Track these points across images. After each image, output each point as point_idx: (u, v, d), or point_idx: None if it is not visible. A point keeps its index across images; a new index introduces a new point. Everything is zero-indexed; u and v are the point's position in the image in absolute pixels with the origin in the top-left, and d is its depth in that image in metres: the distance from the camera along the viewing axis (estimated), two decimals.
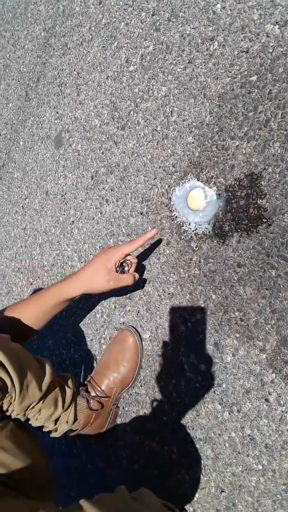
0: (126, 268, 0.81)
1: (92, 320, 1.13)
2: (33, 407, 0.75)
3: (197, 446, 0.85)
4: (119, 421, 1.02)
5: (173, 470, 0.90)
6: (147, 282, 0.98)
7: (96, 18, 1.17)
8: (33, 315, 0.79)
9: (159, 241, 0.96)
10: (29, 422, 0.79)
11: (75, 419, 0.87)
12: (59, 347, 1.23)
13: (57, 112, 1.30)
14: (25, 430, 0.75)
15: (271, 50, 0.77)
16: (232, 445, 0.80)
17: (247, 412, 0.78)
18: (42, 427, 0.84)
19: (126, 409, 1.01)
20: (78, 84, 1.22)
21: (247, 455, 0.77)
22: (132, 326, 1.00)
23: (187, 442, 0.87)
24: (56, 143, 1.29)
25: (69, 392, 0.84)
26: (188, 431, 0.87)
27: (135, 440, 0.99)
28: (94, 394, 0.94)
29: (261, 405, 0.76)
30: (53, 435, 0.86)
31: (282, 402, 0.73)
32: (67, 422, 0.85)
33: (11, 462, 0.63)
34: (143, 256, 0.99)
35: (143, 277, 0.98)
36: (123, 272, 0.80)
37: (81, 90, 1.20)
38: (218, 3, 0.85)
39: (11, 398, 0.68)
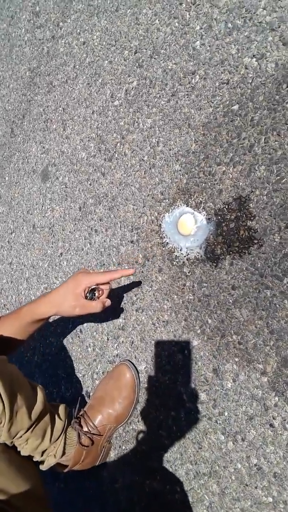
0: (96, 295, 0.78)
1: (83, 354, 1.10)
2: (20, 436, 0.71)
3: (202, 482, 0.81)
4: (116, 461, 0.97)
5: (178, 510, 0.85)
6: (140, 310, 0.96)
7: (80, 57, 1.21)
8: (7, 333, 0.78)
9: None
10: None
11: (63, 453, 0.82)
12: (49, 385, 1.18)
13: (43, 147, 1.32)
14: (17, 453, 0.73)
15: (250, 81, 0.81)
16: (238, 477, 0.76)
17: (252, 440, 0.75)
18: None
19: (124, 447, 0.96)
20: (64, 120, 1.25)
21: (256, 487, 0.74)
22: (129, 360, 0.96)
23: (191, 478, 0.83)
24: (43, 177, 1.30)
25: (59, 423, 0.80)
26: (191, 466, 0.83)
27: (134, 481, 0.93)
28: (86, 430, 0.89)
29: (266, 432, 0.73)
30: (40, 467, 0.81)
31: (287, 426, 0.70)
32: (54, 455, 0.80)
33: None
34: (136, 285, 0.98)
35: (136, 306, 0.97)
36: (92, 298, 0.78)
37: (67, 125, 1.23)
38: (197, 40, 0.90)
39: (0, 423, 0.64)
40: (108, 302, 0.78)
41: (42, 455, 0.80)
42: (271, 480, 0.72)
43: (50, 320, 1.19)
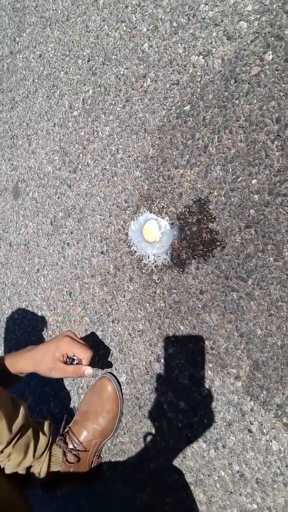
0: (75, 362, 0.78)
1: None
2: (1, 451, 0.69)
3: (189, 491, 0.79)
4: (108, 474, 0.95)
5: None
6: (116, 321, 0.94)
7: (38, 70, 1.20)
8: None
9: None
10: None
11: (48, 471, 0.81)
12: (39, 403, 1.16)
13: (12, 164, 1.31)
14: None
15: (199, 79, 0.79)
16: (223, 485, 0.74)
17: (232, 446, 0.73)
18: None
19: (113, 460, 0.95)
20: (29, 135, 1.23)
21: (240, 494, 0.72)
22: (110, 373, 0.95)
23: (178, 488, 0.81)
24: (14, 194, 1.29)
25: (43, 439, 0.79)
26: (178, 476, 0.82)
27: (125, 494, 0.92)
28: (72, 447, 0.87)
29: (245, 437, 0.71)
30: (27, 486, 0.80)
31: (265, 430, 0.68)
32: (39, 473, 0.79)
33: None
34: (109, 295, 0.96)
35: (112, 317, 0.95)
36: (71, 364, 0.78)
37: (32, 139, 1.22)
38: (145, 42, 0.89)
39: None
40: (87, 371, 0.78)
41: (26, 472, 0.79)
42: (254, 487, 0.70)
43: (35, 337, 1.18)
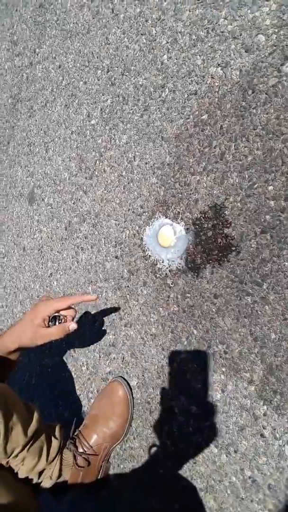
0: (58, 323, 0.75)
1: (78, 374, 1.09)
2: (16, 455, 0.70)
3: (198, 497, 0.79)
4: (115, 480, 0.95)
5: None
6: (129, 325, 0.95)
7: (57, 80, 1.24)
8: None
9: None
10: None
11: (60, 475, 0.81)
12: (48, 407, 1.16)
13: (28, 171, 1.34)
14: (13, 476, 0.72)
15: (217, 90, 0.82)
16: (234, 491, 0.74)
17: (244, 451, 0.73)
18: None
19: (122, 466, 0.94)
20: (46, 142, 1.26)
21: (251, 501, 0.71)
22: (121, 377, 0.95)
23: (188, 494, 0.81)
24: (30, 199, 1.32)
25: (55, 443, 0.79)
26: (187, 482, 0.81)
27: (134, 501, 0.91)
28: (82, 450, 0.87)
29: (257, 442, 0.71)
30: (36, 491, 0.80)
31: (278, 435, 0.68)
32: (50, 477, 0.79)
33: None
34: (121, 299, 0.97)
35: (124, 321, 0.96)
36: (55, 324, 0.75)
37: (49, 147, 1.25)
38: (165, 54, 0.92)
39: None
40: (72, 326, 0.75)
41: (39, 477, 0.80)
42: (266, 493, 0.70)
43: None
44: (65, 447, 0.87)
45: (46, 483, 0.81)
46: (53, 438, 0.81)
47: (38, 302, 0.77)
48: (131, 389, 0.93)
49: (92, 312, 1.05)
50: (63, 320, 0.76)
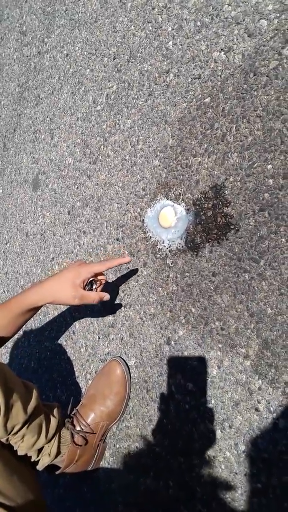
0: (94, 287, 0.79)
1: (76, 355, 1.10)
2: (16, 432, 0.71)
3: (193, 474, 0.80)
4: (111, 460, 0.96)
5: (172, 507, 0.83)
6: (128, 306, 0.96)
7: (64, 68, 1.26)
8: None
9: (135, 271, 0.96)
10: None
11: (58, 452, 0.82)
12: (46, 389, 1.18)
13: (33, 157, 1.36)
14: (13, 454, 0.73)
15: (220, 73, 0.83)
16: (228, 466, 0.75)
17: (239, 426, 0.74)
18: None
19: (117, 446, 0.95)
20: (51, 129, 1.29)
21: (245, 475, 0.72)
22: (119, 356, 0.97)
23: (183, 471, 0.81)
24: (34, 185, 1.34)
25: (53, 421, 0.80)
26: (183, 459, 0.82)
27: (129, 480, 0.92)
28: (79, 429, 0.88)
29: (252, 416, 0.72)
30: (36, 468, 0.81)
31: (272, 409, 0.69)
32: (49, 454, 0.80)
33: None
34: (122, 280, 0.99)
35: (124, 302, 0.97)
36: (90, 289, 0.79)
37: (54, 134, 1.27)
38: (170, 40, 0.94)
39: None
40: (107, 297, 0.79)
41: (38, 455, 0.81)
42: (259, 466, 0.70)
43: (44, 324, 1.21)
44: (63, 426, 0.88)
45: (45, 460, 0.82)
46: (51, 416, 0.82)
47: (75, 263, 0.79)
48: (129, 368, 0.94)
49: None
50: (98, 284, 0.80)
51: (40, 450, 0.81)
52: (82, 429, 0.89)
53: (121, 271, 0.99)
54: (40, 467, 0.82)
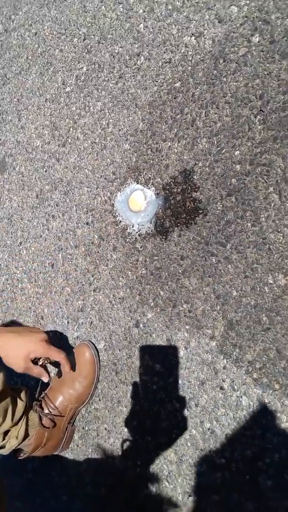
0: (40, 363, 0.79)
1: None
2: None
3: (160, 452, 0.82)
4: (80, 443, 0.96)
5: (139, 485, 0.85)
6: (98, 290, 0.97)
7: (32, 48, 1.22)
8: None
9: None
10: None
11: (26, 435, 0.82)
12: (14, 375, 1.16)
13: (0, 139, 1.32)
14: None
15: (190, 58, 0.84)
16: (194, 443, 0.77)
17: (204, 405, 0.76)
18: None
19: (86, 428, 0.96)
20: (19, 110, 1.25)
21: (210, 451, 0.75)
22: (89, 340, 0.97)
23: (150, 450, 0.83)
24: (0, 168, 1.30)
25: (20, 404, 0.80)
26: (150, 438, 0.84)
27: (98, 462, 0.93)
28: (47, 411, 0.88)
29: (216, 395, 0.75)
30: (1, 451, 0.81)
31: (236, 387, 0.72)
32: (16, 437, 0.80)
33: None
34: (91, 264, 0.98)
35: (93, 286, 0.97)
36: (36, 363, 0.78)
37: (22, 115, 1.24)
38: (141, 23, 0.93)
39: None
40: (46, 379, 0.80)
41: (3, 438, 0.80)
42: (223, 442, 0.73)
43: (12, 310, 1.19)
44: (31, 409, 0.88)
45: (12, 442, 0.81)
46: (18, 400, 0.82)
47: (38, 338, 0.77)
48: (98, 352, 0.94)
49: (61, 280, 1.06)
50: (44, 362, 0.79)
51: (6, 433, 0.80)
52: (50, 412, 0.90)
53: (90, 254, 0.99)
54: (6, 450, 0.82)
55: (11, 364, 0.76)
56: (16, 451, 0.87)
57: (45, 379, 0.80)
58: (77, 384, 0.92)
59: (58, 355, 0.79)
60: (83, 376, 0.92)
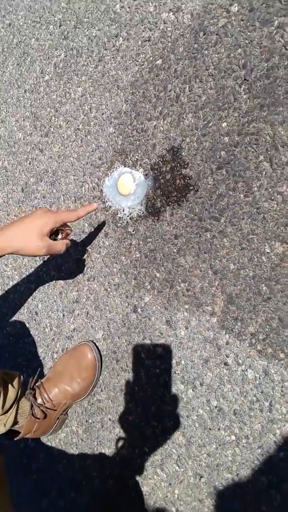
0: (60, 237, 0.74)
1: (41, 336, 1.07)
2: None
3: (168, 436, 0.80)
4: (84, 437, 0.94)
5: (148, 472, 0.83)
6: (92, 279, 0.94)
7: (7, 39, 1.20)
8: None
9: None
10: None
11: (15, 422, 0.79)
12: (10, 360, 1.14)
13: None
14: None
15: (170, 34, 0.82)
16: (201, 423, 0.76)
17: (209, 383, 0.75)
18: None
19: (90, 421, 0.94)
20: None
21: (218, 429, 0.74)
22: (92, 341, 0.94)
23: (157, 435, 0.82)
24: None
25: (12, 392, 0.77)
26: (156, 423, 0.82)
27: (104, 453, 0.91)
28: (40, 402, 0.86)
29: (221, 371, 0.73)
30: None
31: (240, 361, 0.71)
32: (4, 424, 0.77)
33: None
34: (84, 253, 0.96)
35: (87, 275, 0.95)
36: (55, 239, 0.73)
37: (1, 109, 1.21)
38: (117, 3, 0.91)
39: None
40: (69, 243, 0.75)
41: None
42: (232, 419, 0.72)
43: (4, 309, 1.16)
44: (24, 397, 0.85)
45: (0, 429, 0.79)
46: (10, 387, 0.78)
47: (40, 212, 0.71)
48: (100, 354, 0.92)
49: (54, 272, 1.03)
50: (64, 235, 0.74)
51: None
52: (44, 403, 0.87)
53: (82, 244, 0.97)
54: None
55: (32, 251, 0.69)
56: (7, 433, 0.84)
57: (69, 244, 0.74)
58: (75, 384, 0.90)
59: (70, 215, 0.73)
60: (82, 378, 0.90)
